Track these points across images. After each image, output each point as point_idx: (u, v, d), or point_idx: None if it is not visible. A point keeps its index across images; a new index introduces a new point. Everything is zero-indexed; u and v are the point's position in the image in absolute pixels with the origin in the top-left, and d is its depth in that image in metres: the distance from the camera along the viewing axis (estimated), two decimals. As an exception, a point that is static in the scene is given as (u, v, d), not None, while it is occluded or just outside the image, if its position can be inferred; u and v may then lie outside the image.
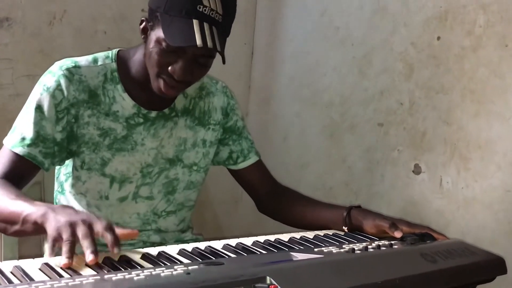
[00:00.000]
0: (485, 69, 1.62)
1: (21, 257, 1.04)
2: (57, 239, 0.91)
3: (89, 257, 0.88)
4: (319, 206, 1.36)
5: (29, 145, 1.17)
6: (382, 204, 1.86)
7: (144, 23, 1.20)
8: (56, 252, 0.91)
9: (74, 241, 0.90)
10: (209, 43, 1.10)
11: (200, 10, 1.11)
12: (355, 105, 1.98)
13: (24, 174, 1.18)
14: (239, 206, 2.41)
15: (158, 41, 1.14)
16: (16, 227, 1.03)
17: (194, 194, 1.37)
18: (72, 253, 0.88)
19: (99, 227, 0.93)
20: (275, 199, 1.42)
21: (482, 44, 1.62)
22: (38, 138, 1.18)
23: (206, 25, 1.11)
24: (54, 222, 0.93)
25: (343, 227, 1.26)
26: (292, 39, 2.23)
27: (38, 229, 0.97)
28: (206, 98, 1.36)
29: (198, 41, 1.10)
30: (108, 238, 0.91)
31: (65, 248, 0.89)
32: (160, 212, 1.33)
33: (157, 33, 1.14)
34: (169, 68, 1.15)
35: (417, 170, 1.80)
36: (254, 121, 2.34)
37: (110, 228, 0.93)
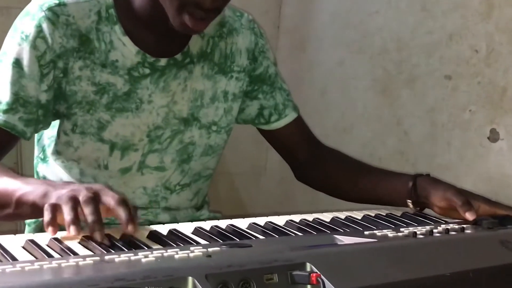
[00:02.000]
0: None
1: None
2: (55, 207, 0.93)
3: (94, 231, 0.90)
4: (376, 173, 1.39)
5: (5, 111, 1.18)
6: (448, 180, 1.84)
7: None
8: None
9: (76, 207, 0.92)
10: None
11: None
12: (416, 52, 1.96)
13: (1, 146, 1.20)
14: (261, 179, 2.44)
15: None
16: (8, 211, 1.05)
17: (213, 161, 1.38)
18: (77, 220, 0.91)
19: (109, 199, 0.95)
20: (319, 164, 1.44)
21: None
22: (18, 102, 1.18)
23: None
24: (52, 201, 0.95)
25: (407, 200, 1.27)
26: (336, -35, 2.21)
27: (38, 212, 0.99)
28: (229, 38, 1.36)
29: None
30: (121, 213, 0.93)
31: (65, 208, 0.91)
32: (172, 186, 1.34)
33: None
34: None
35: (493, 137, 1.79)
36: (284, 71, 2.30)
37: (123, 201, 0.95)
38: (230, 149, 2.17)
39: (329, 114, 2.23)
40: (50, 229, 0.92)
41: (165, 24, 1.21)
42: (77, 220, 0.91)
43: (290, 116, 1.43)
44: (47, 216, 0.93)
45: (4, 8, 1.84)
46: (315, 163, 1.45)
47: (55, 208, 0.93)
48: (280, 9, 2.40)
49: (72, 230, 0.90)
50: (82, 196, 0.94)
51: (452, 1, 1.88)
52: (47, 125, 1.26)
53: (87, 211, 0.92)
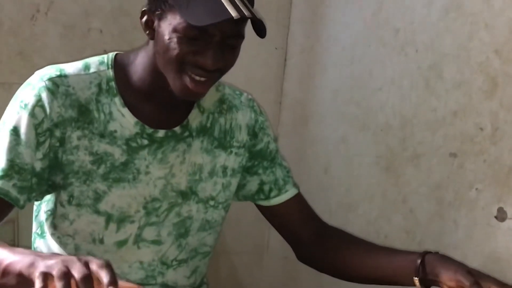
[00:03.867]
0: None
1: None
2: (46, 274, 0.92)
3: None
4: (383, 251, 1.38)
5: (0, 178, 1.19)
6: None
7: (146, 16, 1.23)
8: None
9: (69, 276, 0.91)
10: (246, 12, 1.13)
11: None
12: (420, 129, 1.98)
13: None
14: (264, 259, 2.42)
15: (174, 30, 1.17)
16: None
17: (210, 237, 1.38)
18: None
19: (94, 265, 0.94)
20: (321, 244, 1.43)
21: None
22: (13, 169, 1.20)
23: None
24: (43, 269, 0.94)
25: (414, 278, 1.26)
26: (337, 43, 2.25)
27: (24, 282, 0.98)
28: (228, 114, 1.39)
29: (233, 12, 1.13)
30: (103, 276, 0.92)
31: (59, 284, 0.90)
32: (169, 261, 1.33)
33: (171, 20, 1.17)
34: (196, 58, 1.17)
35: (501, 216, 1.79)
36: (286, 147, 2.34)
37: (107, 265, 0.94)
38: (230, 227, 2.17)
39: (333, 191, 2.23)
40: None
41: (165, 95, 1.25)
42: None
43: (290, 192, 1.43)
44: (38, 284, 0.91)
45: (7, 84, 1.89)
46: (317, 243, 1.43)
47: (46, 277, 0.92)
48: (282, 85, 2.44)
49: None
50: (75, 270, 0.92)
51: (455, 79, 1.90)
52: (40, 196, 1.27)
53: (82, 282, 0.91)
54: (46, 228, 1.31)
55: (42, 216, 1.32)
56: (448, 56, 1.92)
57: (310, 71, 2.35)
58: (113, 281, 0.92)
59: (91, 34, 2.04)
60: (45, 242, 1.32)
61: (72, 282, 0.92)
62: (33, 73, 1.28)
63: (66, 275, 0.92)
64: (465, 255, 1.84)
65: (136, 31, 2.00)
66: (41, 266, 0.95)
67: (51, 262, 0.95)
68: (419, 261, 1.26)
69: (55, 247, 1.30)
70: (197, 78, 1.19)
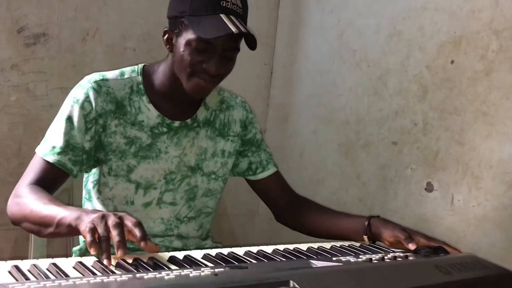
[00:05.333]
0: (497, 92, 1.63)
1: (48, 256, 1.06)
2: (93, 229, 0.93)
3: (117, 251, 0.90)
4: (339, 215, 1.37)
5: (59, 153, 1.20)
6: (395, 220, 1.83)
7: (167, 34, 1.24)
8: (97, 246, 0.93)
9: (108, 237, 0.92)
10: (242, 29, 1.15)
11: (223, 5, 1.16)
12: (370, 124, 1.99)
13: (54, 181, 1.21)
14: (255, 220, 2.42)
15: (188, 43, 1.18)
16: (50, 230, 1.05)
17: (212, 201, 1.39)
18: (109, 251, 0.90)
19: (128, 222, 0.95)
20: (294, 209, 1.43)
21: (495, 68, 1.64)
22: (68, 147, 1.21)
23: (232, 17, 1.16)
24: (87, 221, 0.95)
25: (363, 236, 1.27)
26: (310, 60, 2.26)
27: (72, 231, 1.00)
28: (226, 111, 1.39)
29: (233, 28, 1.14)
30: (136, 233, 0.93)
31: (103, 246, 0.90)
32: (182, 217, 1.34)
33: (186, 36, 1.18)
34: (203, 65, 1.18)
35: (429, 188, 1.80)
36: (272, 138, 2.36)
37: (139, 224, 0.95)
38: (230, 197, 2.18)
39: (306, 170, 2.24)
40: (92, 249, 0.92)
41: (179, 94, 1.25)
42: (109, 253, 0.91)
43: (271, 170, 1.43)
44: (88, 238, 0.92)
45: (64, 88, 1.88)
46: (291, 208, 1.43)
47: (94, 232, 0.93)
48: (269, 91, 2.43)
49: (92, 251, 0.90)
50: (110, 220, 0.94)
51: (396, 86, 1.91)
52: (89, 168, 1.27)
53: (114, 233, 0.92)
54: (93, 194, 1.32)
55: (90, 185, 1.33)
56: (392, 70, 1.93)
57: (290, 81, 2.35)
58: (144, 237, 0.93)
59: (127, 51, 2.03)
60: (91, 204, 1.32)
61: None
62: (83, 80, 1.28)
63: (106, 230, 0.93)
64: (403, 217, 1.85)
65: (160, 50, 2.02)
66: (85, 219, 0.97)
67: (93, 216, 0.96)
68: (366, 223, 1.27)
69: (100, 208, 1.31)
70: (204, 79, 1.20)
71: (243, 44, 1.22)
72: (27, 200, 1.11)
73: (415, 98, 1.85)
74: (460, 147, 1.72)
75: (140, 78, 1.29)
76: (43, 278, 0.82)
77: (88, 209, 1.25)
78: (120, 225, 0.93)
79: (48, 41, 1.88)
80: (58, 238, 1.11)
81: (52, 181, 1.20)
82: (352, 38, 2.07)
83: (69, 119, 1.22)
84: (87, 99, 1.23)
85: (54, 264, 0.90)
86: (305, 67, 2.28)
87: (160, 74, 1.29)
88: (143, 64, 1.32)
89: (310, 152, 2.23)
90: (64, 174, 1.21)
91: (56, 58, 1.89)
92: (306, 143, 2.25)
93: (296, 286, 0.81)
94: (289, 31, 2.37)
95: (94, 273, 0.87)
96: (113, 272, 0.87)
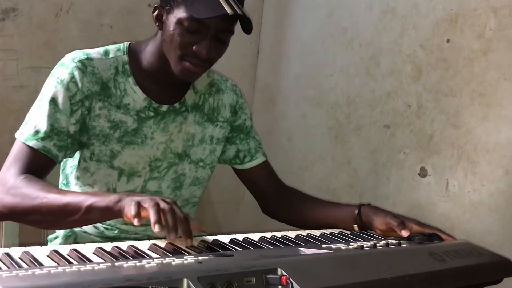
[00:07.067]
0: (495, 73, 1.64)
1: (21, 245, 1.05)
2: (139, 204, 0.96)
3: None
4: (328, 205, 1.37)
5: (43, 138, 1.17)
6: (387, 207, 1.84)
7: (157, 10, 1.21)
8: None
9: (159, 211, 0.96)
10: (238, 11, 1.13)
11: None
12: (362, 106, 1.99)
13: (41, 168, 1.18)
14: (240, 207, 2.43)
15: (179, 22, 1.15)
16: (75, 217, 1.05)
17: (199, 191, 1.38)
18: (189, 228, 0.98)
19: (176, 208, 0.99)
20: (281, 200, 1.42)
21: (493, 47, 1.64)
22: (53, 131, 1.18)
23: None
24: (135, 201, 0.97)
25: (354, 225, 1.27)
26: (299, 38, 2.25)
27: (109, 215, 1.03)
28: (216, 95, 1.38)
29: (228, 10, 1.12)
30: (184, 228, 0.97)
31: (182, 226, 0.97)
32: None
33: (177, 14, 1.16)
34: (193, 47, 1.16)
35: (423, 173, 1.81)
36: (258, 121, 2.34)
37: (186, 219, 0.99)
38: (215, 183, 2.17)
39: (294, 156, 2.24)
40: (135, 220, 0.94)
41: (168, 76, 1.23)
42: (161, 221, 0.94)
43: (260, 159, 1.42)
44: (133, 210, 0.95)
45: (36, 68, 1.86)
46: (278, 199, 1.42)
47: (139, 205, 0.96)
48: (256, 72, 2.43)
49: (157, 228, 0.93)
50: (162, 205, 0.97)
51: (389, 67, 1.91)
52: (73, 153, 1.25)
53: (174, 218, 0.96)
54: (71, 179, 1.30)
55: (68, 170, 1.31)
56: (384, 49, 1.93)
57: (277, 61, 2.35)
58: (190, 234, 0.99)
59: (103, 29, 2.01)
60: (69, 190, 1.30)
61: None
62: (56, 59, 1.26)
63: (157, 205, 0.96)
64: (395, 204, 1.87)
65: (140, 28, 1.99)
66: (128, 201, 0.99)
67: (135, 197, 0.99)
68: (356, 212, 1.26)
69: None
70: (194, 63, 1.18)
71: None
72: (28, 190, 1.09)
73: (409, 79, 1.85)
74: (455, 130, 1.73)
75: (126, 58, 1.26)
76: (15, 267, 0.81)
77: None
78: (174, 211, 0.97)
79: (18, 17, 1.84)
80: (81, 226, 1.15)
81: (40, 168, 1.17)
82: (343, 16, 2.07)
83: (53, 101, 1.20)
84: (72, 79, 1.21)
85: (27, 253, 0.89)
86: (293, 46, 2.27)
87: (147, 53, 1.27)
88: (129, 42, 1.30)
89: (299, 136, 2.23)
90: (50, 161, 1.19)
91: (26, 35, 1.86)
92: (295, 127, 2.25)
93: (284, 273, 0.81)
94: (276, 7, 2.35)
95: (70, 262, 0.86)
96: (90, 261, 0.87)
